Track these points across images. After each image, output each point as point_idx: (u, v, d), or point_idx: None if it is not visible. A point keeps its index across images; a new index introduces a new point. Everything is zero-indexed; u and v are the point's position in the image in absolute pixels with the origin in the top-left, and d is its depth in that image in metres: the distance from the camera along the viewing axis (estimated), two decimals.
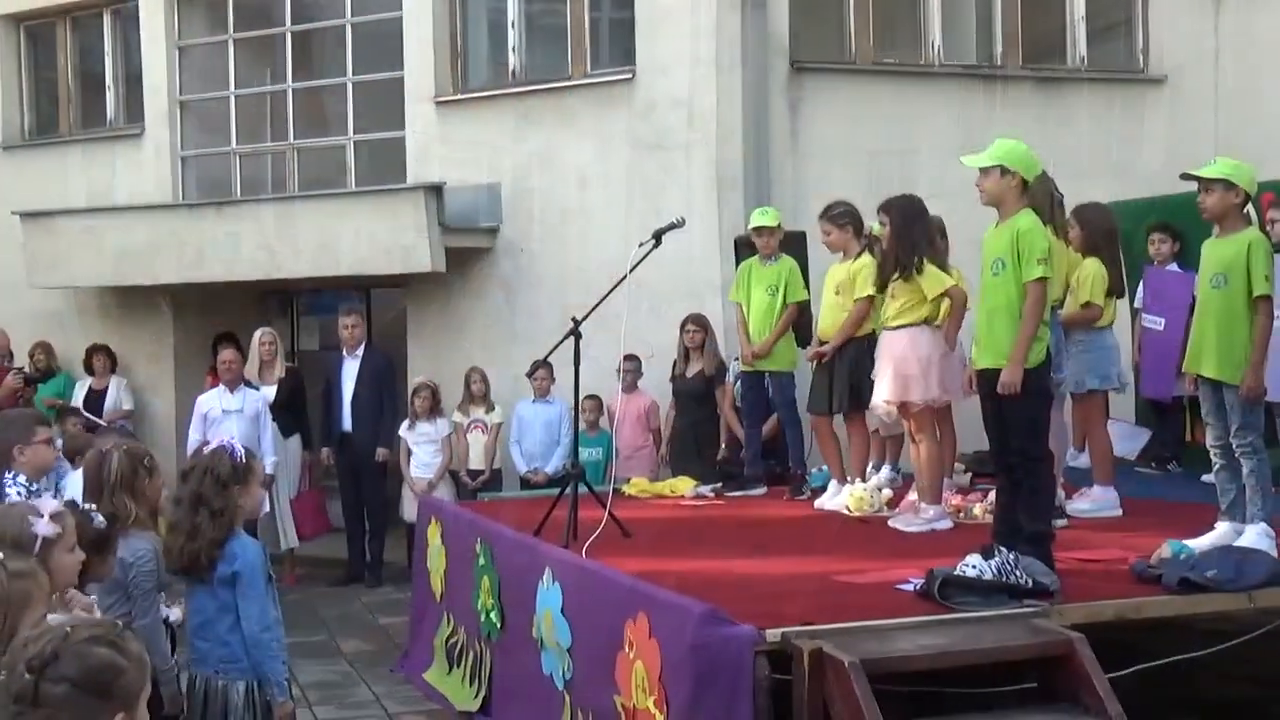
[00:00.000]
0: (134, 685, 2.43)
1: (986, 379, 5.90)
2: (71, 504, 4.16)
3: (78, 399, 12.16)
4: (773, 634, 4.76)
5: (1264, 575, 5.42)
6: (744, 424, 9.06)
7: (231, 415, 10.34)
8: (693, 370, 9.89)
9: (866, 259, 7.86)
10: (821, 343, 8.12)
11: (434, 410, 10.72)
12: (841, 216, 8.03)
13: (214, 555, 4.75)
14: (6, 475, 5.33)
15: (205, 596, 4.83)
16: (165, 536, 4.85)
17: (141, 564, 4.73)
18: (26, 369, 12.26)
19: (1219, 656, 5.47)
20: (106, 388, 12.32)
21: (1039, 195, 6.91)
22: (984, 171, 5.88)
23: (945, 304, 7.28)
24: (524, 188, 11.38)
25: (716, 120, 10.58)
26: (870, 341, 7.86)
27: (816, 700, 4.58)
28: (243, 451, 4.94)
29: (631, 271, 6.98)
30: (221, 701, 4.79)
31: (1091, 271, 7.45)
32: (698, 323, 9.87)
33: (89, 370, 12.48)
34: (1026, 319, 5.76)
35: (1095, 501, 7.46)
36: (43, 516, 3.70)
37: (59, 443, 6.15)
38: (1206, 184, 6.06)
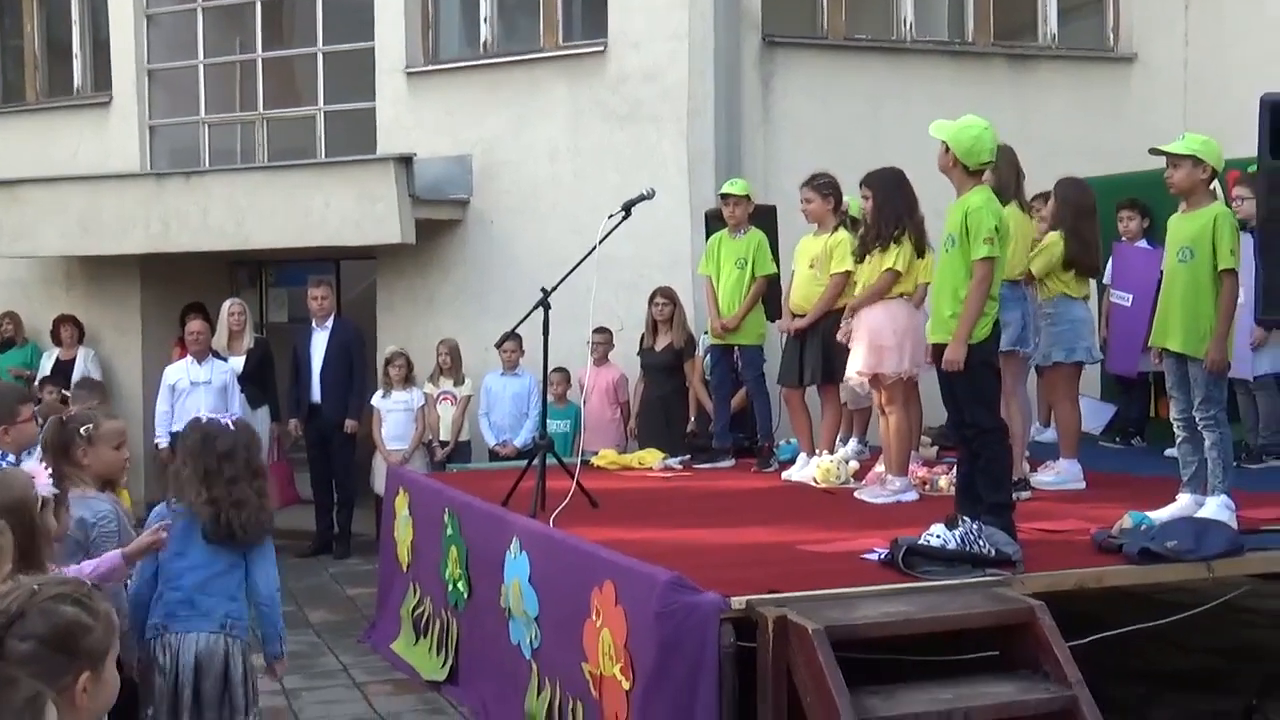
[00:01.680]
0: (100, 644, 2.44)
1: (938, 352, 5.94)
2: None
3: (45, 369, 12.10)
4: (738, 601, 4.78)
5: (1223, 546, 5.48)
6: (713, 397, 9.09)
7: (199, 386, 10.31)
8: (661, 343, 9.90)
9: (843, 234, 7.89)
10: (794, 316, 8.13)
11: (408, 380, 10.70)
12: (826, 187, 8.04)
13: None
14: None
15: (208, 554, 4.82)
16: (203, 507, 4.80)
17: (104, 525, 4.72)
18: None
19: (1177, 626, 5.55)
20: (74, 358, 12.25)
21: (1005, 170, 6.97)
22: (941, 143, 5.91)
23: (916, 279, 7.32)
24: (494, 160, 11.36)
25: (688, 94, 10.57)
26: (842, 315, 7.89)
27: (780, 666, 4.61)
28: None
29: (601, 243, 6.98)
30: (223, 660, 4.78)
31: (1046, 245, 7.49)
32: (666, 296, 9.87)
33: (56, 340, 12.41)
34: (970, 297, 5.77)
35: (1059, 474, 7.52)
36: (36, 478, 3.74)
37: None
38: (1175, 159, 6.10)
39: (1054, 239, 7.49)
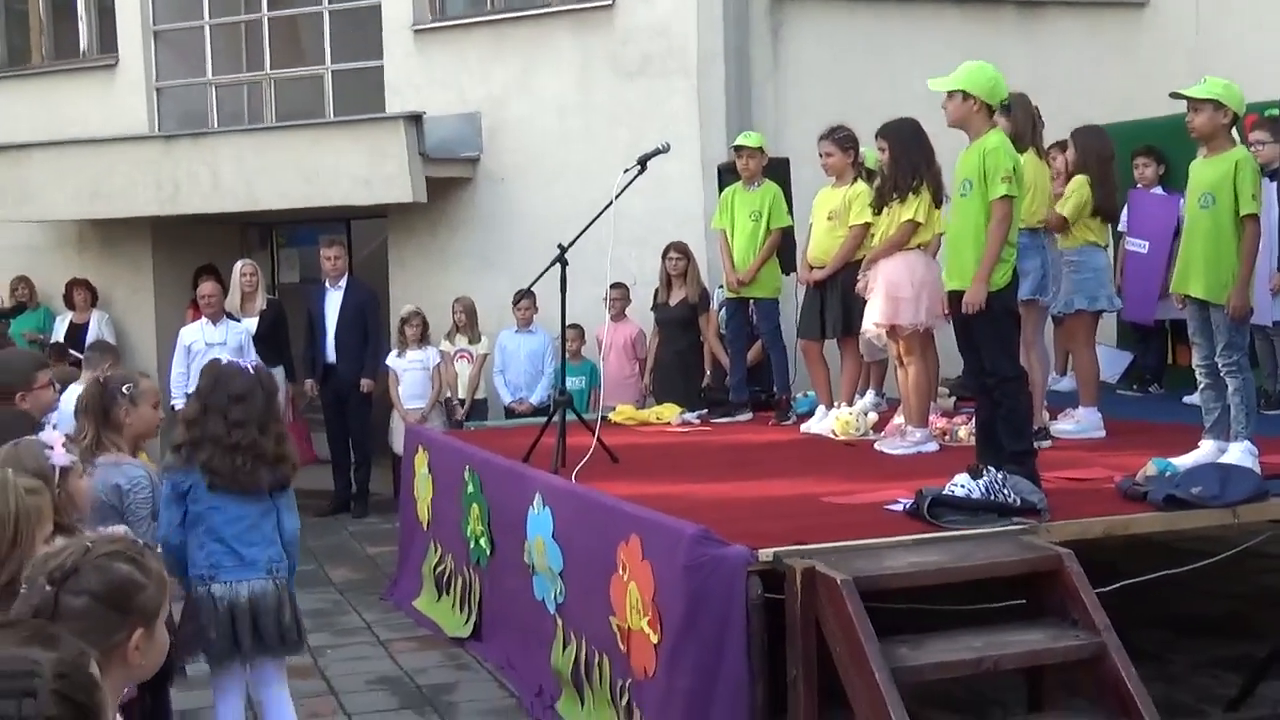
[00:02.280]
0: (153, 602, 2.45)
1: (956, 300, 5.92)
2: None
3: (58, 333, 12.10)
4: (765, 554, 4.79)
5: (1248, 491, 5.49)
6: (728, 351, 9.08)
7: (214, 348, 10.31)
8: (676, 298, 9.90)
9: (862, 186, 7.85)
10: (812, 268, 8.09)
11: (423, 339, 10.71)
12: (846, 140, 7.99)
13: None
14: None
15: (243, 506, 4.90)
16: (219, 458, 4.84)
17: (138, 490, 4.77)
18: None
19: (1198, 573, 5.55)
20: (88, 322, 12.25)
21: (1020, 117, 6.94)
22: (948, 95, 5.86)
23: (934, 229, 7.28)
24: (504, 116, 11.31)
25: (697, 47, 10.50)
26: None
27: (809, 618, 4.63)
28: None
29: (617, 198, 6.96)
30: (274, 602, 4.90)
31: (1074, 188, 7.46)
32: (680, 250, 9.86)
33: (69, 304, 12.42)
34: (991, 237, 5.75)
35: (1079, 423, 7.51)
36: (53, 448, 3.74)
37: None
38: (1195, 104, 6.04)
39: (1081, 183, 7.46)
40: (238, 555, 4.89)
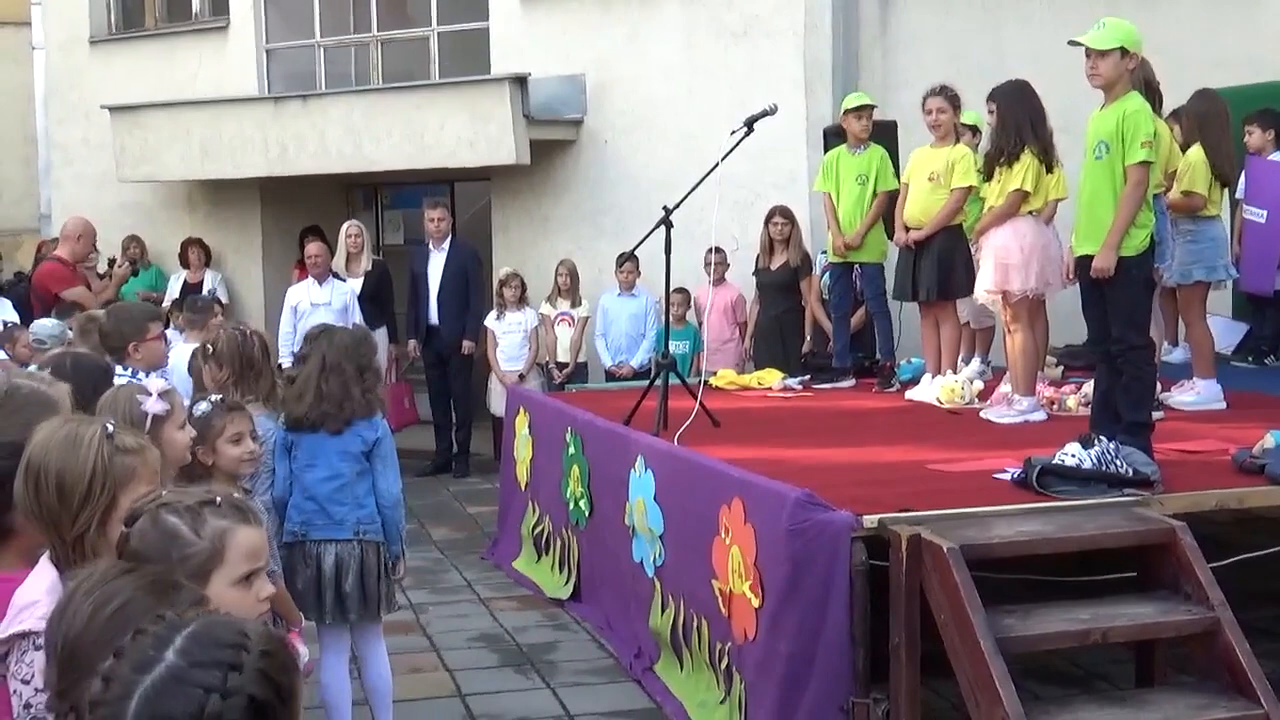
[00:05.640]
0: (196, 561, 2.39)
1: (1087, 265, 5.78)
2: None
3: (173, 292, 12.31)
4: (870, 519, 4.75)
5: None
6: (832, 316, 8.99)
7: (320, 308, 10.45)
8: (777, 263, 9.82)
9: (964, 148, 7.70)
10: (908, 229, 7.95)
11: (522, 301, 10.75)
12: (956, 99, 7.78)
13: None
14: (122, 370, 5.39)
15: (340, 461, 5.06)
16: (296, 402, 5.04)
17: (266, 442, 4.84)
18: (128, 264, 12.42)
19: None
20: (202, 281, 12.47)
21: (1137, 80, 6.74)
22: (1101, 54, 5.67)
23: (1045, 195, 7.11)
24: (608, 78, 11.27)
25: (804, 9, 10.38)
26: (961, 231, 7.74)
27: (914, 585, 4.58)
28: None
29: (723, 160, 6.91)
30: (359, 563, 5.03)
31: (1193, 160, 7.26)
32: (784, 215, 9.77)
33: (184, 263, 12.65)
34: (1125, 203, 5.61)
35: (1200, 394, 7.31)
36: (151, 395, 3.77)
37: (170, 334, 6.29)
38: None
39: (1196, 154, 7.25)
40: (326, 514, 5.03)
